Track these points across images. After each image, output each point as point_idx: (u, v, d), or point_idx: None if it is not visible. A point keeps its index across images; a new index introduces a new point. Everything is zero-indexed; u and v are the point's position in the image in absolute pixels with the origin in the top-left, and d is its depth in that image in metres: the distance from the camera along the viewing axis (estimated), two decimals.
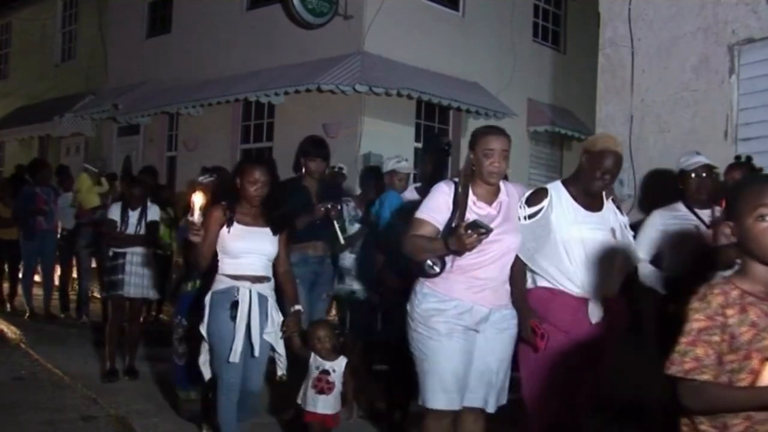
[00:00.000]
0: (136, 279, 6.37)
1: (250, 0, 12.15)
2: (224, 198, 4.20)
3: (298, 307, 4.28)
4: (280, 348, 4.18)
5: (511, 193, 3.58)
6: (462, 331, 3.43)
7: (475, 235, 3.09)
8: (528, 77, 12.57)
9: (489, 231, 3.13)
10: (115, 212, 6.50)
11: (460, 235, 3.10)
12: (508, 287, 3.57)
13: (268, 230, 4.16)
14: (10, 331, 8.50)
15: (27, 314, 9.20)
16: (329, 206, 5.11)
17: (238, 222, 4.10)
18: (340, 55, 10.37)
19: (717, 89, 4.96)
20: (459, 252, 3.27)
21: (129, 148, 14.60)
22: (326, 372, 4.21)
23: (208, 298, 4.09)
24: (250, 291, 4.04)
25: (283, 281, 4.30)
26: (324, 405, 4.19)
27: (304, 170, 5.26)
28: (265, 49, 11.43)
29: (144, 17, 14.26)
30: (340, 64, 10.17)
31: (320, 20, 10.45)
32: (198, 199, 3.79)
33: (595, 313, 3.54)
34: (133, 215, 6.49)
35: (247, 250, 4.10)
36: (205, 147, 12.38)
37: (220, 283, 4.09)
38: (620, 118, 5.53)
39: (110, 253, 6.49)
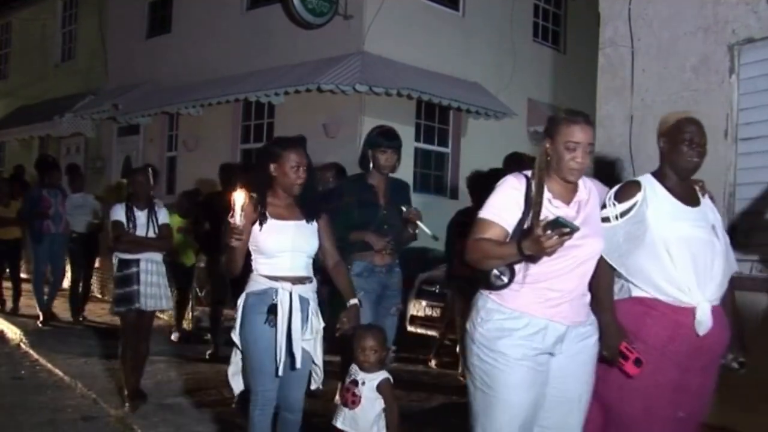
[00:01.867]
0: (153, 289, 5.53)
1: (250, 0, 12.15)
2: (253, 189, 3.65)
3: (354, 301, 3.79)
4: (318, 357, 3.73)
5: (590, 190, 3.05)
6: (535, 356, 2.87)
7: (556, 236, 2.56)
8: (528, 77, 12.57)
9: (574, 230, 2.59)
10: (119, 213, 5.59)
11: (538, 237, 2.57)
12: (587, 299, 3.01)
13: (305, 222, 3.70)
14: (10, 331, 8.51)
15: (40, 320, 8.87)
16: (387, 241, 4.63)
17: (272, 216, 3.64)
18: (340, 54, 10.37)
19: (717, 89, 4.96)
20: (534, 257, 2.76)
21: (129, 149, 14.61)
22: (355, 383, 3.65)
23: (242, 301, 3.65)
24: (291, 293, 3.59)
25: (335, 275, 3.85)
26: (345, 421, 3.61)
27: (372, 165, 4.71)
28: (265, 49, 11.43)
29: (144, 17, 14.25)
30: (340, 63, 10.17)
31: (320, 20, 10.45)
32: (239, 198, 3.27)
33: (703, 324, 2.99)
34: (141, 216, 5.61)
35: (284, 248, 3.63)
36: (205, 147, 12.39)
37: (256, 283, 3.63)
38: (620, 117, 5.53)
39: (116, 260, 5.59)
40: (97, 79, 14.93)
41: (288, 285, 3.59)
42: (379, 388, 3.61)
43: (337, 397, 3.80)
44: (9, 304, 9.74)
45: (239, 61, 11.76)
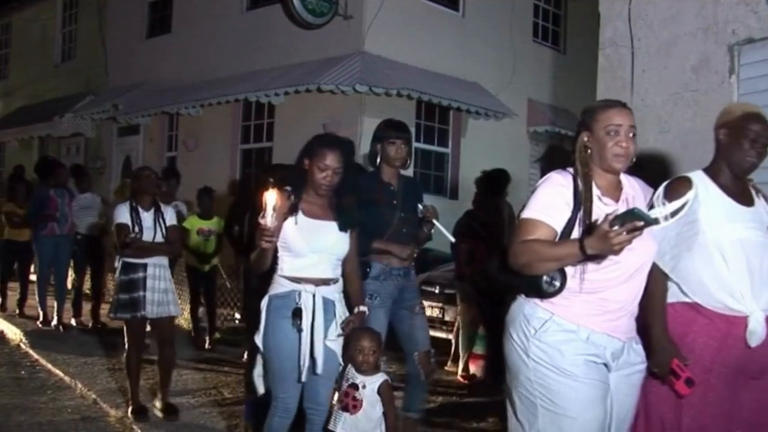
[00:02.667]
0: (160, 296, 5.22)
1: (250, 0, 12.15)
2: (290, 182, 3.59)
3: (363, 308, 3.71)
4: (341, 358, 3.62)
5: (634, 187, 2.87)
6: (599, 369, 2.65)
7: (625, 232, 2.29)
8: (528, 77, 12.57)
9: (651, 223, 2.33)
10: (123, 214, 5.21)
11: (606, 233, 2.31)
12: (637, 310, 2.76)
13: (337, 226, 3.58)
14: (10, 331, 8.51)
15: (40, 320, 8.68)
16: (412, 248, 4.39)
17: (305, 213, 3.52)
18: (340, 55, 10.37)
19: (717, 89, 4.95)
20: (597, 258, 2.51)
21: (129, 149, 14.61)
22: (355, 386, 3.54)
23: (264, 303, 3.51)
24: (314, 296, 3.46)
25: (349, 280, 3.72)
26: (345, 426, 3.49)
27: (379, 159, 4.44)
28: (265, 49, 11.44)
29: (144, 17, 14.26)
30: (340, 64, 10.17)
31: (320, 20, 10.44)
32: (271, 198, 3.10)
33: (756, 334, 2.77)
34: (147, 217, 5.27)
35: (314, 248, 3.49)
36: (205, 147, 12.39)
37: (279, 285, 3.50)
38: None
39: (120, 264, 5.25)
40: (97, 80, 14.94)
41: (311, 287, 3.47)
42: (380, 390, 3.52)
43: (334, 401, 3.62)
44: (11, 307, 9.56)
45: (239, 61, 11.76)
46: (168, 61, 13.25)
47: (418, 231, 4.46)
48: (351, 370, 3.59)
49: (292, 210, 3.48)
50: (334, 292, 3.57)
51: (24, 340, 8.02)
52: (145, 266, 5.19)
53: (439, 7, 11.55)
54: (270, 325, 3.48)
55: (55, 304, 8.69)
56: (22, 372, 6.76)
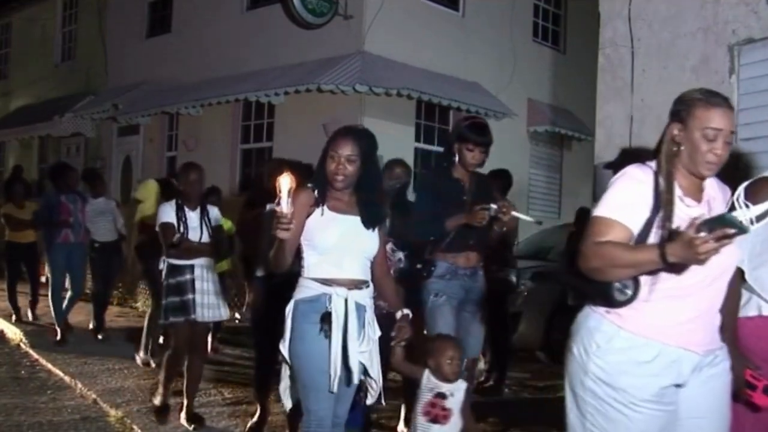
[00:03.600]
0: (210, 298, 5.03)
1: (250, 0, 12.15)
2: (313, 177, 3.32)
3: (406, 311, 3.41)
4: (375, 370, 3.28)
5: (713, 187, 2.56)
6: (664, 393, 2.36)
7: (712, 241, 2.03)
8: (528, 77, 12.57)
9: (744, 231, 2.05)
10: (168, 213, 5.00)
11: (692, 240, 2.05)
12: (718, 322, 2.49)
13: (361, 220, 3.30)
14: (10, 331, 8.51)
15: (58, 337, 7.83)
16: (492, 207, 4.00)
17: (330, 208, 3.23)
18: (340, 55, 10.37)
19: (717, 89, 4.91)
20: (678, 267, 2.22)
21: (129, 148, 14.61)
22: (442, 396, 3.39)
23: (290, 309, 3.21)
24: (346, 300, 3.17)
25: (381, 285, 3.42)
26: None
27: (456, 158, 4.26)
28: (265, 49, 11.43)
29: (144, 17, 14.26)
30: (340, 64, 10.17)
31: (320, 20, 10.45)
32: (285, 182, 2.82)
33: None
34: (193, 217, 5.07)
35: (341, 246, 3.20)
36: (205, 147, 12.38)
37: (307, 288, 3.20)
38: (620, 118, 5.52)
39: (166, 266, 5.04)
40: (97, 79, 14.94)
41: (343, 290, 3.16)
42: (464, 398, 3.44)
43: (420, 414, 3.43)
44: (24, 312, 9.20)
45: (239, 61, 11.76)
46: (168, 61, 13.25)
47: (489, 230, 4.14)
48: (431, 378, 3.46)
49: (317, 203, 3.20)
50: (366, 297, 3.27)
51: (24, 339, 8.02)
52: (192, 268, 4.98)
53: (439, 7, 11.56)
54: (297, 331, 3.18)
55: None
56: (22, 372, 6.76)
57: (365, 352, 3.21)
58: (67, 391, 6.09)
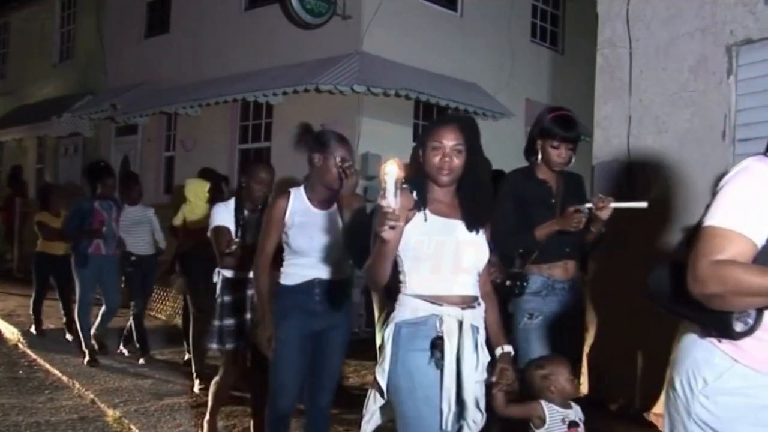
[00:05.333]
0: None
1: (248, 0, 12.15)
2: (409, 179, 2.76)
3: (508, 348, 2.91)
4: (482, 402, 2.78)
5: None
6: None
7: None
8: (526, 78, 12.58)
9: None
10: (224, 215, 4.40)
11: None
12: None
13: (467, 224, 2.81)
14: (8, 331, 8.50)
15: (86, 359, 6.98)
16: (586, 206, 3.58)
17: (432, 211, 2.77)
18: (339, 55, 10.36)
19: (715, 90, 4.96)
20: None
21: (127, 148, 14.60)
22: (575, 424, 3.06)
23: (391, 333, 2.72)
24: (461, 322, 2.68)
25: (485, 307, 2.86)
26: None
27: (540, 157, 3.77)
28: (263, 49, 11.43)
29: (142, 17, 14.24)
30: (338, 64, 10.16)
31: (318, 20, 10.44)
32: (392, 170, 2.33)
33: None
34: (253, 221, 4.36)
35: (450, 256, 2.74)
36: (203, 147, 12.38)
37: (410, 309, 2.70)
38: (618, 118, 5.53)
39: (221, 279, 4.40)
40: (95, 79, 14.93)
41: (455, 310, 2.68)
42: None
43: None
44: (47, 325, 8.54)
45: (237, 61, 11.75)
46: (166, 61, 13.24)
47: (584, 233, 3.69)
48: (556, 409, 3.11)
49: (417, 207, 2.74)
50: (479, 317, 2.79)
51: (22, 339, 8.02)
52: (251, 282, 4.08)
53: (437, 8, 11.56)
54: (401, 360, 2.68)
55: (95, 329, 7.25)
56: (20, 372, 6.76)
57: (479, 382, 2.75)
58: (64, 391, 6.09)
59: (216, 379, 4.56)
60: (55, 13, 16.76)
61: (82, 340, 7.12)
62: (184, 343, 6.89)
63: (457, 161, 2.76)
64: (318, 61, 10.48)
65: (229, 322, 4.35)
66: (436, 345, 2.65)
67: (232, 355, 4.44)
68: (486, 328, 2.83)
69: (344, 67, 10.10)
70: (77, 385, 6.15)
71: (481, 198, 2.85)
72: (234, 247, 4.18)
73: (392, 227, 2.38)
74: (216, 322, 4.38)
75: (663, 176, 5.12)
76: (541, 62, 13.19)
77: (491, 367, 2.80)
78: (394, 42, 10.67)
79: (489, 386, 2.79)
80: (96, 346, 7.18)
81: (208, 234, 4.44)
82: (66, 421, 5.24)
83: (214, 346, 4.42)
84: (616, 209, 3.55)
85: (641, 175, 5.32)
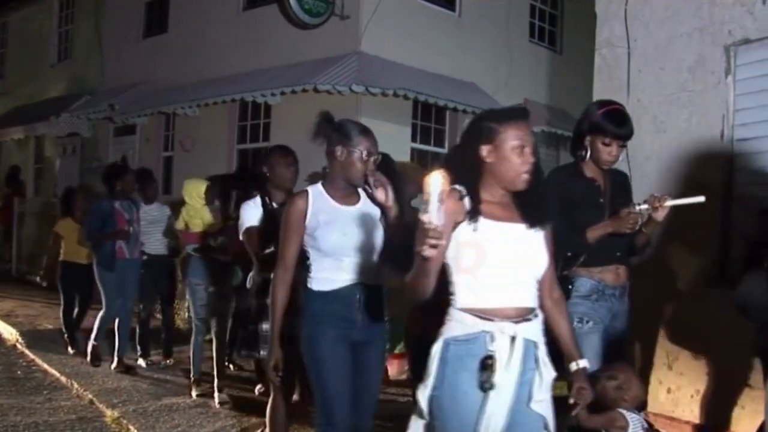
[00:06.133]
0: None
1: (246, 0, 12.15)
2: (459, 179, 2.50)
3: (583, 362, 2.66)
4: (552, 423, 2.52)
5: None
6: None
7: None
8: (524, 78, 12.58)
9: None
10: (254, 214, 4.09)
11: None
12: None
13: (525, 228, 2.55)
14: (6, 331, 8.49)
15: (117, 366, 6.66)
16: (643, 206, 3.39)
17: (486, 216, 2.49)
18: (337, 55, 10.36)
19: (713, 90, 4.96)
20: None
21: (125, 148, 14.57)
22: (650, 426, 3.05)
23: (438, 351, 2.47)
24: (514, 339, 2.41)
25: (553, 317, 2.65)
26: None
27: (587, 154, 3.53)
28: (261, 49, 11.43)
29: (140, 17, 14.24)
30: (336, 64, 10.16)
31: (316, 20, 10.44)
32: (436, 182, 2.09)
33: None
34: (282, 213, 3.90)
35: (505, 264, 2.47)
36: (201, 147, 12.38)
37: (460, 324, 2.45)
38: None
39: (258, 283, 4.09)
40: (93, 79, 14.92)
41: (509, 325, 2.42)
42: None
43: None
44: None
45: (236, 62, 11.75)
46: (164, 61, 13.24)
47: (634, 236, 3.52)
48: (633, 416, 3.06)
49: (471, 215, 2.47)
50: (537, 330, 2.51)
51: (20, 340, 8.01)
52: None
53: (435, 8, 11.56)
54: (447, 380, 2.43)
55: (117, 343, 6.77)
56: (18, 372, 6.75)
57: (542, 401, 2.49)
58: (63, 392, 6.08)
59: (270, 403, 4.00)
60: (53, 13, 16.75)
61: (118, 349, 6.69)
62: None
63: (533, 158, 2.47)
64: (316, 62, 10.48)
65: (268, 327, 3.79)
66: (486, 365, 2.39)
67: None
68: (556, 341, 2.61)
69: (342, 67, 10.10)
70: (76, 385, 6.14)
71: (542, 196, 2.58)
72: (270, 249, 3.89)
73: (434, 246, 2.15)
74: (253, 328, 4.08)
75: (661, 176, 5.12)
76: (539, 62, 13.19)
77: (558, 381, 2.54)
78: (393, 42, 10.68)
79: (557, 400, 2.55)
80: (90, 357, 6.83)
81: (240, 237, 4.16)
82: (64, 422, 5.23)
83: (256, 353, 4.11)
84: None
85: (640, 175, 5.32)
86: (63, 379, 6.39)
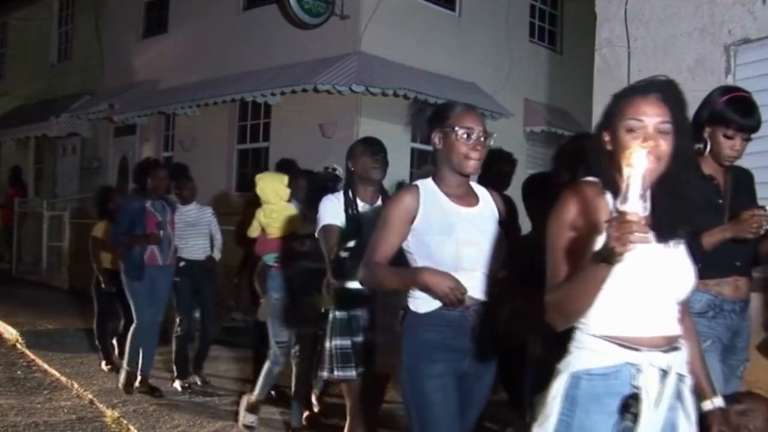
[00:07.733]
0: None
1: (246, 0, 12.15)
2: (593, 172, 2.06)
3: (719, 401, 2.20)
4: None
5: None
6: None
7: None
8: (524, 77, 12.58)
9: None
10: (335, 210, 3.53)
11: None
12: None
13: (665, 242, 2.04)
14: (6, 331, 8.49)
15: (138, 381, 5.95)
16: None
17: None
18: (337, 55, 10.36)
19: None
20: None
21: (125, 149, 14.59)
22: None
23: (564, 386, 1.96)
24: (665, 372, 1.93)
25: (685, 338, 2.07)
26: None
27: (708, 149, 3.03)
28: (261, 49, 11.43)
29: (140, 17, 14.24)
30: (336, 64, 10.17)
31: (317, 20, 10.45)
32: (640, 162, 1.64)
33: None
34: (370, 216, 3.45)
35: (652, 280, 1.95)
36: (201, 147, 12.38)
37: (595, 353, 1.95)
38: None
39: (334, 291, 3.57)
40: (93, 79, 14.92)
41: (658, 356, 1.93)
42: None
43: None
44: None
45: (235, 62, 11.75)
46: (164, 61, 13.24)
47: (758, 243, 3.06)
48: None
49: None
50: (683, 362, 2.01)
51: (20, 340, 8.00)
52: (368, 295, 3.31)
53: (435, 7, 11.56)
54: (577, 425, 1.93)
55: (140, 361, 5.97)
56: (18, 372, 6.75)
57: None
58: (63, 392, 6.08)
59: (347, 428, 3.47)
60: (53, 13, 16.76)
61: (141, 365, 5.94)
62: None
63: (664, 146, 1.90)
64: (316, 61, 10.48)
65: (343, 343, 3.42)
66: (629, 405, 1.90)
67: (350, 386, 3.43)
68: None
69: (342, 67, 10.10)
70: (76, 385, 6.14)
71: (688, 198, 2.00)
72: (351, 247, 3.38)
73: (640, 240, 1.63)
74: (328, 344, 3.47)
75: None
76: (539, 62, 13.19)
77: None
78: (393, 42, 10.68)
79: None
80: (124, 384, 5.91)
81: (316, 234, 3.61)
82: (64, 422, 5.23)
83: (329, 374, 3.46)
84: None
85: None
86: (63, 379, 6.39)
